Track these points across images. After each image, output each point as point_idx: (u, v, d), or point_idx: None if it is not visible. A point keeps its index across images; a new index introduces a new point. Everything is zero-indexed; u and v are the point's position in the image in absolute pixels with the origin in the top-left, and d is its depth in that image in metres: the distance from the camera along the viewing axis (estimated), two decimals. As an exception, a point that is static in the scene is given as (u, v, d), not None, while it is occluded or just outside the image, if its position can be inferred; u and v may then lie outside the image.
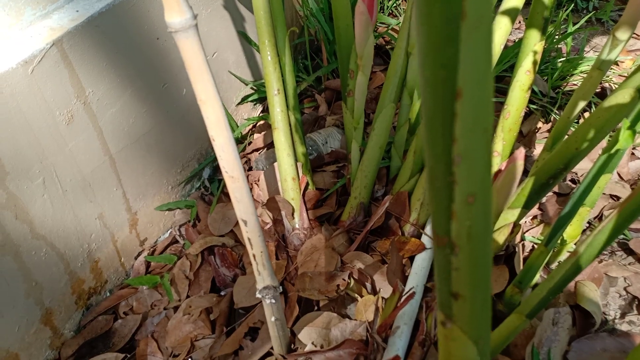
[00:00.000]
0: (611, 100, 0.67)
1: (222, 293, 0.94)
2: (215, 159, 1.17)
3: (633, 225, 1.01)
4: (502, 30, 0.86)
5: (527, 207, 0.83)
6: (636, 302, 0.91)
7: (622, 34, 0.70)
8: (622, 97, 0.66)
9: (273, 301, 0.72)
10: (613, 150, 0.56)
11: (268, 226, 1.02)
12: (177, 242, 1.05)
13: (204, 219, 1.07)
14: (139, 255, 1.02)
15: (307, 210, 1.01)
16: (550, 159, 0.76)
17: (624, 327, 0.88)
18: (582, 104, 0.79)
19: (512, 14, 0.84)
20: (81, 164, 0.85)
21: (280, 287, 0.71)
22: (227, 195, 1.12)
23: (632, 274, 0.95)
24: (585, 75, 1.29)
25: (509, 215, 0.84)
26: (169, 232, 1.07)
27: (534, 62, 0.87)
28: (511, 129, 0.95)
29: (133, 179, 0.95)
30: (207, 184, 1.14)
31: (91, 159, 0.86)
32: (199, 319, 0.88)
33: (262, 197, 1.09)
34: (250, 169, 1.18)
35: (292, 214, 0.99)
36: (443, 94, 0.21)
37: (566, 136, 0.89)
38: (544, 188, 0.79)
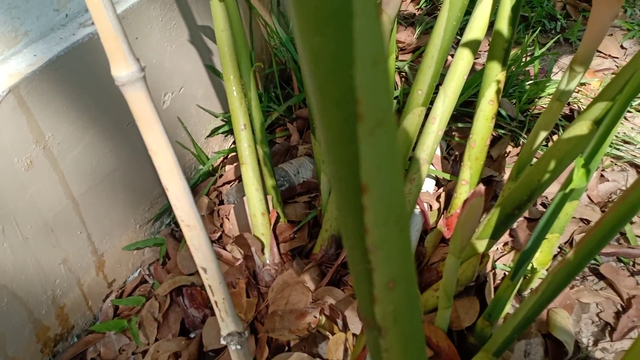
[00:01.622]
0: (570, 132, 0.67)
1: (192, 335, 0.92)
2: (194, 184, 1.16)
3: (604, 250, 1.01)
4: (464, 62, 0.86)
5: (494, 237, 0.82)
6: (609, 329, 0.91)
7: (579, 67, 0.71)
8: (580, 129, 0.67)
9: (239, 347, 0.71)
10: (567, 190, 0.56)
11: (239, 262, 1.01)
12: (146, 281, 1.04)
13: (174, 256, 1.05)
14: (107, 297, 1.00)
15: (277, 244, 1.00)
16: (514, 190, 0.76)
17: (598, 355, 0.87)
18: (543, 134, 0.79)
19: (473, 46, 0.85)
20: (42, 209, 0.83)
21: (247, 333, 0.70)
22: (197, 231, 1.10)
23: (604, 299, 0.95)
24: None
25: (477, 246, 0.84)
26: (137, 271, 1.05)
27: (497, 91, 0.88)
28: (477, 157, 0.95)
29: (98, 221, 0.93)
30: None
31: (53, 203, 0.85)
32: (167, 363, 0.86)
33: (233, 232, 1.08)
34: (221, 202, 1.16)
35: (262, 250, 0.97)
36: (348, 189, 0.20)
37: (530, 166, 0.90)
38: (510, 218, 0.79)
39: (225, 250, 1.04)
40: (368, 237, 0.22)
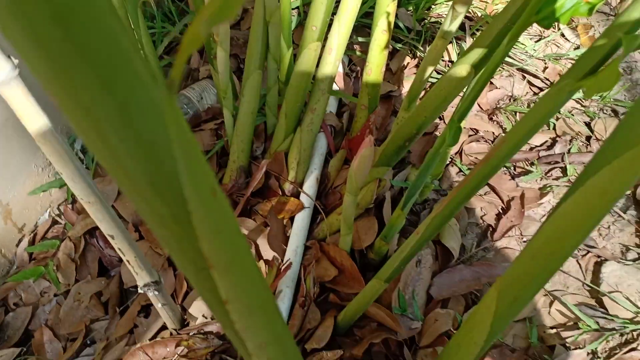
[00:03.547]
0: (451, 74, 0.72)
1: (112, 273, 0.96)
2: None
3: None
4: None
5: (388, 165, 0.90)
6: (490, 230, 1.03)
7: (460, 7, 0.74)
8: (460, 71, 0.72)
9: (156, 292, 0.76)
10: (442, 149, 0.62)
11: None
12: (58, 222, 1.04)
13: (84, 194, 1.05)
14: (19, 242, 1.00)
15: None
16: (404, 125, 0.82)
17: (480, 254, 1.00)
18: (430, 69, 0.84)
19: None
20: None
21: (162, 280, 0.75)
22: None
23: (487, 204, 1.06)
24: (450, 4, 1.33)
25: (374, 173, 0.91)
26: (47, 212, 1.05)
27: (389, 23, 0.90)
28: (374, 84, 0.99)
29: (-3, 172, 0.91)
30: (81, 155, 1.11)
31: (-56, 163, 0.81)
32: (89, 304, 0.90)
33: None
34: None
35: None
36: (215, 303, 0.24)
37: (418, 100, 0.95)
38: (402, 149, 0.86)
39: (136, 185, 1.05)
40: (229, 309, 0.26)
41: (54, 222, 1.04)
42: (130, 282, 0.92)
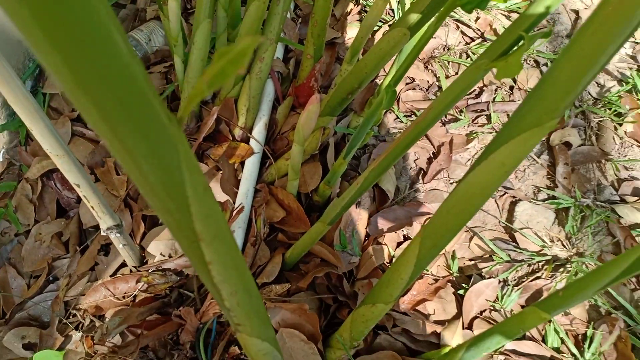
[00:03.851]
0: (390, 36, 0.80)
1: (70, 214, 1.01)
2: (36, 69, 1.14)
3: (421, 105, 1.21)
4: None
5: (332, 114, 0.97)
6: (422, 173, 1.14)
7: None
8: (397, 33, 0.79)
9: (118, 235, 0.82)
10: (379, 110, 0.70)
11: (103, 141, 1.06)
12: (13, 164, 1.07)
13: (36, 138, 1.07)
14: (-27, 184, 1.02)
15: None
16: (346, 80, 0.89)
17: (412, 195, 1.11)
18: (371, 27, 0.90)
19: None
20: None
21: (123, 223, 0.81)
22: (55, 110, 1.12)
23: (420, 149, 1.16)
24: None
25: (319, 122, 0.98)
26: (1, 154, 1.07)
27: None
28: (319, 35, 1.05)
29: (-51, 117, 0.92)
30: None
31: None
32: (51, 244, 0.96)
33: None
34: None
35: (126, 131, 1.04)
36: (201, 265, 0.32)
37: (360, 56, 1.02)
38: (345, 101, 0.93)
39: (88, 129, 1.08)
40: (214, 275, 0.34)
41: (10, 164, 1.07)
42: (89, 222, 0.98)
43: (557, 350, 0.91)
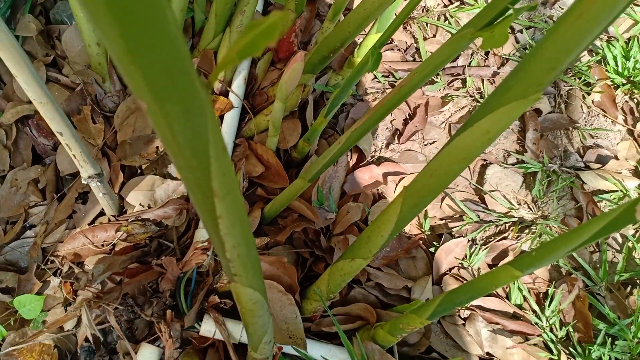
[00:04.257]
0: (375, -2, 0.80)
1: (47, 161, 1.00)
2: (7, 10, 1.10)
3: (399, 67, 1.23)
4: None
5: (312, 72, 0.98)
6: (397, 133, 1.17)
7: None
8: (384, -5, 0.80)
9: (99, 183, 0.83)
10: (362, 71, 0.71)
11: (79, 88, 1.05)
12: (-16, 109, 1.04)
13: (9, 81, 1.05)
14: (-56, 128, 1.00)
15: (117, 72, 1.05)
16: (328, 38, 0.90)
17: (388, 154, 1.14)
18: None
19: None
20: None
21: (103, 172, 0.82)
22: (28, 53, 1.09)
23: (397, 110, 1.19)
24: None
25: (300, 79, 0.99)
26: (-29, 97, 1.04)
27: None
28: (302, -6, 1.04)
29: None
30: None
31: None
32: (27, 190, 0.96)
33: (68, 54, 1.08)
34: (49, 21, 1.13)
35: (103, 80, 1.02)
36: (211, 218, 0.34)
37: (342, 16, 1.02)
38: (326, 59, 0.95)
39: (63, 75, 1.06)
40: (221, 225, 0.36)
41: (-20, 109, 1.04)
42: (66, 170, 0.97)
43: (520, 307, 0.98)
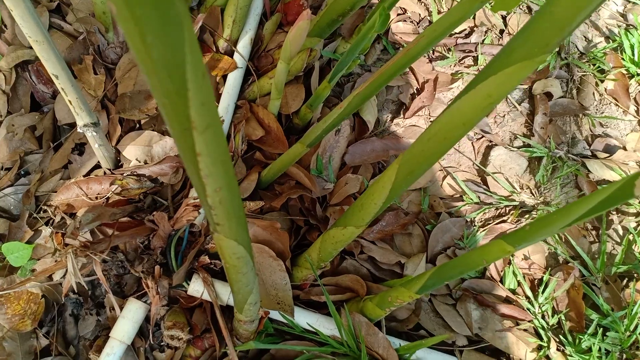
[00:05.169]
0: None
1: (45, 109, 0.98)
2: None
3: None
4: None
5: (320, 36, 0.95)
6: (404, 107, 1.14)
7: None
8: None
9: (95, 133, 0.81)
10: (370, 33, 0.69)
11: (82, 37, 1.03)
12: (-16, 52, 1.02)
13: (11, 25, 1.03)
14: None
15: (122, 24, 1.02)
16: (338, 1, 0.87)
17: (392, 129, 1.12)
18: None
19: None
20: None
21: (100, 122, 0.80)
22: (33, -1, 1.07)
23: (405, 83, 1.16)
24: None
25: (306, 43, 0.97)
26: (-28, 40, 1.03)
27: None
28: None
29: None
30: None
31: None
32: (24, 137, 0.94)
33: (73, 0, 1.06)
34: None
35: (106, 30, 1.00)
36: (190, 155, 0.32)
37: None
38: (335, 23, 0.92)
39: (66, 22, 1.04)
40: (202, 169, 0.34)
41: (-20, 51, 1.02)
42: (64, 119, 0.96)
43: (513, 291, 0.96)
